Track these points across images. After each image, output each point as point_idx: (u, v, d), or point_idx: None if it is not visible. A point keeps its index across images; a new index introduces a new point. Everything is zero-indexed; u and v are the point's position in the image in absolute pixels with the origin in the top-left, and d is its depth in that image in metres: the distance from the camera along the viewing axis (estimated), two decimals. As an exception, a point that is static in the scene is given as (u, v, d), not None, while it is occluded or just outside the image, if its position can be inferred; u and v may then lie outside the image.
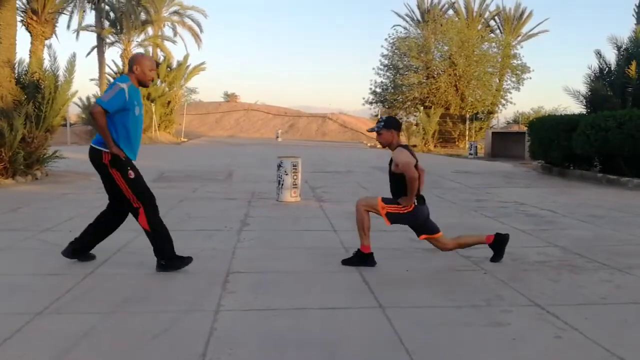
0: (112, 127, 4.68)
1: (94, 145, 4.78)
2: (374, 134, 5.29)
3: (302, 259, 5.37)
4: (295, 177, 9.45)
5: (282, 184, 9.42)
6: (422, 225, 5.08)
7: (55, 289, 4.23)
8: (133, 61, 4.89)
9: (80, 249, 5.05)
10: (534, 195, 10.87)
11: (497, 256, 5.23)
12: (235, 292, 4.26)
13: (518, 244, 6.08)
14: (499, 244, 5.21)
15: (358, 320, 3.71)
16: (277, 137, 45.41)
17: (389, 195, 5.14)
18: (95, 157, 4.77)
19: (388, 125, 5.12)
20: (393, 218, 4.99)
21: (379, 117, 39.65)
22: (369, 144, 39.60)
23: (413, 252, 5.75)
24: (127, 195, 4.76)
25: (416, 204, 4.96)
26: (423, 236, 5.12)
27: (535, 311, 3.92)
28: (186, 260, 4.88)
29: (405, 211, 4.95)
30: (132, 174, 4.74)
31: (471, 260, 5.33)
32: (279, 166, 9.49)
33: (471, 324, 3.65)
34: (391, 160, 5.09)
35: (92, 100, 36.82)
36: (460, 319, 3.76)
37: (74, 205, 8.76)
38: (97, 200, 9.29)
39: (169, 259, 4.84)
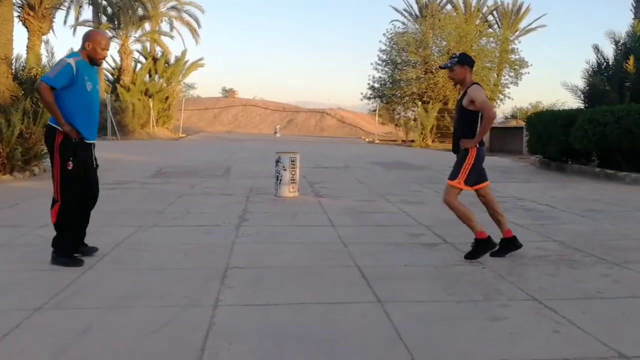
0: (61, 104, 4.58)
1: (49, 123, 4.72)
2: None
3: (301, 254, 5.38)
4: (293, 172, 9.44)
5: (281, 180, 9.42)
6: (480, 170, 5.08)
7: (54, 285, 4.24)
8: (86, 37, 4.78)
9: (76, 245, 5.03)
10: (532, 190, 10.88)
11: (500, 252, 5.18)
12: (234, 287, 4.27)
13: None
14: (510, 245, 5.20)
15: (357, 315, 3.72)
16: (276, 132, 45.35)
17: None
18: (48, 135, 4.71)
19: (462, 61, 5.09)
20: (469, 179, 5.02)
21: (377, 112, 39.72)
22: (367, 140, 39.59)
23: (412, 247, 5.75)
24: (54, 184, 4.72)
25: (477, 145, 4.98)
26: (476, 186, 5.09)
27: (533, 305, 3.93)
28: (73, 262, 4.77)
29: (471, 161, 4.96)
30: (70, 165, 4.64)
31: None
32: (277, 162, 9.48)
33: (470, 319, 3.66)
34: (462, 97, 5.05)
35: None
36: (459, 313, 3.77)
37: (72, 201, 8.74)
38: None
39: (58, 253, 4.80)
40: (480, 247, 5.08)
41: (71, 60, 4.61)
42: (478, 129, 5.02)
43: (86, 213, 5.07)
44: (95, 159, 5.01)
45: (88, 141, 4.79)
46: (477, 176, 5.11)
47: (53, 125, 4.69)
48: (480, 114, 5.00)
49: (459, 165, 5.05)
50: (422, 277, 4.66)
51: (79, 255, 4.97)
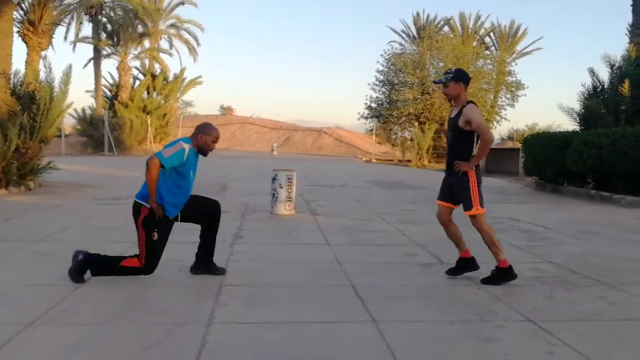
0: (162, 179, 4.71)
1: (136, 200, 4.84)
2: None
3: (296, 273, 5.35)
4: (289, 190, 9.44)
5: (277, 197, 9.41)
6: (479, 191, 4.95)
7: (47, 300, 4.20)
8: (201, 129, 4.94)
9: (204, 261, 5.14)
10: (528, 211, 10.89)
11: (490, 280, 5.00)
12: (228, 305, 4.24)
13: (512, 260, 6.03)
14: (504, 275, 4.99)
15: (351, 335, 3.69)
16: (273, 150, 45.47)
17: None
18: (135, 209, 4.83)
19: (457, 78, 4.86)
20: (482, 201, 4.90)
21: (374, 131, 39.86)
22: (364, 159, 39.67)
23: (407, 266, 5.73)
24: (140, 249, 4.79)
25: (474, 168, 4.85)
26: (472, 210, 4.89)
27: (528, 327, 3.91)
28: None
29: (474, 182, 4.82)
30: (155, 236, 4.75)
31: (465, 275, 5.31)
32: (274, 179, 9.49)
33: (464, 339, 3.64)
34: (457, 116, 4.84)
35: (88, 112, 36.82)
36: (454, 334, 3.75)
37: (67, 216, 8.73)
38: (90, 211, 9.28)
39: (87, 270, 4.80)
40: (500, 275, 4.95)
41: (187, 147, 4.77)
42: (474, 151, 4.86)
43: (209, 235, 5.19)
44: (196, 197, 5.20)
45: (171, 217, 4.89)
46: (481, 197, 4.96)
47: (139, 201, 4.80)
48: (476, 134, 4.84)
49: (465, 192, 4.86)
50: (417, 297, 4.64)
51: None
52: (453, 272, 5.18)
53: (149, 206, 4.71)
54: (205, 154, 5.02)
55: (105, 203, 10.47)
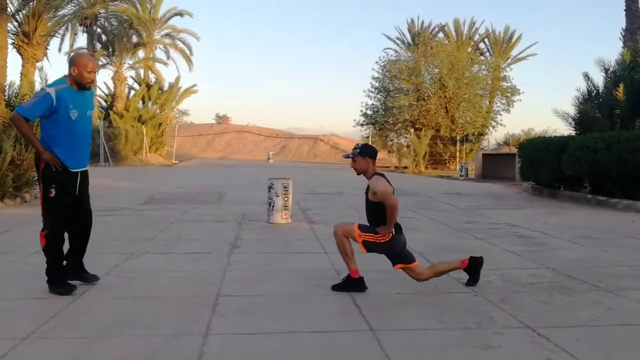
0: (43, 132, 4.58)
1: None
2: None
3: (293, 282, 5.33)
4: (286, 198, 9.43)
5: (273, 206, 9.39)
6: (398, 254, 4.98)
7: (42, 313, 4.18)
8: (71, 62, 4.71)
9: (73, 270, 4.99)
10: (525, 216, 10.90)
11: (472, 280, 5.12)
12: (225, 316, 4.22)
13: (509, 266, 6.08)
14: (474, 267, 5.11)
15: (349, 344, 3.68)
16: (269, 158, 45.46)
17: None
18: (35, 161, 4.71)
19: (363, 153, 5.03)
20: (370, 246, 4.94)
21: (370, 138, 39.88)
22: (360, 166, 39.60)
23: (404, 274, 5.71)
24: (42, 210, 4.70)
25: (394, 233, 4.90)
26: (398, 266, 5.01)
27: (526, 333, 3.90)
28: (66, 289, 4.71)
29: (383, 240, 4.89)
30: (52, 193, 4.60)
31: (462, 282, 5.30)
32: (270, 188, 9.47)
33: (462, 347, 3.63)
34: (368, 189, 5.00)
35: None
36: (452, 341, 3.74)
37: (63, 227, 8.68)
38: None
39: (50, 280, 4.77)
40: (349, 283, 4.99)
41: (51, 90, 4.55)
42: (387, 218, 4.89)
43: (78, 239, 5.02)
44: (86, 186, 4.95)
45: (73, 170, 4.72)
46: (394, 258, 5.00)
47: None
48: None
49: (374, 231, 4.92)
50: (415, 304, 4.63)
51: (77, 281, 4.95)
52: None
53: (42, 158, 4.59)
54: (86, 87, 4.73)
55: (101, 214, 10.42)
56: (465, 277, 5.28)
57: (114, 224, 9.11)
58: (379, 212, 4.89)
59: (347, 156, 5.18)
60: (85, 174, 4.91)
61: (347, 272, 5.06)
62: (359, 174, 5.11)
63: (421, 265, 5.12)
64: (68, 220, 4.81)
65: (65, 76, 4.73)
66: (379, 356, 3.45)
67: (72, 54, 4.74)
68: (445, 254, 6.62)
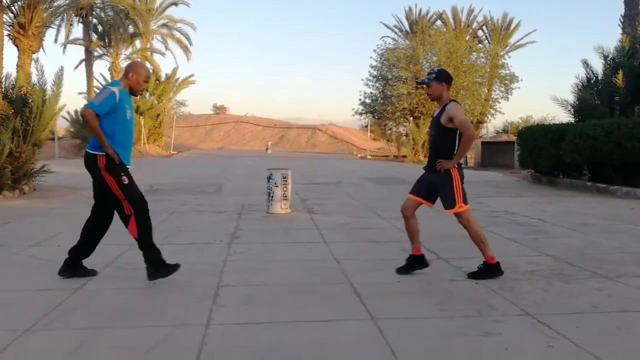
0: (103, 131, 4.68)
1: (88, 150, 4.79)
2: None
3: (293, 272, 5.34)
4: (285, 189, 9.43)
5: (272, 196, 9.39)
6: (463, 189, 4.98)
7: (44, 305, 4.18)
8: (130, 68, 4.94)
9: (75, 262, 5.01)
10: (524, 204, 10.91)
11: (478, 275, 5.01)
12: (226, 306, 4.23)
13: (509, 253, 6.08)
14: (491, 270, 4.99)
15: (350, 333, 3.68)
16: (267, 149, 45.43)
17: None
18: (90, 161, 4.78)
19: (439, 77, 4.94)
20: (466, 198, 4.96)
21: (369, 127, 39.82)
22: (359, 155, 39.67)
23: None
24: (122, 201, 4.76)
25: (456, 166, 4.88)
26: (461, 206, 4.91)
27: (526, 320, 3.91)
28: (172, 268, 4.84)
29: (458, 181, 4.87)
30: (125, 180, 4.74)
31: (462, 270, 5.32)
32: (269, 178, 9.47)
33: (463, 335, 3.64)
34: (439, 114, 4.90)
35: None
36: (453, 329, 3.74)
37: (62, 220, 8.69)
38: (85, 214, 9.18)
39: (155, 266, 4.82)
40: (487, 270, 4.97)
41: (115, 89, 4.72)
42: (457, 148, 4.88)
43: (98, 232, 5.09)
44: None
45: (129, 167, 4.89)
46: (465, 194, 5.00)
47: (92, 152, 4.75)
48: (459, 132, 4.87)
49: (449, 191, 4.89)
50: (415, 293, 4.64)
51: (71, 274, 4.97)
52: (403, 270, 5.17)
53: (103, 153, 4.68)
54: (136, 94, 4.98)
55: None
56: (467, 267, 5.28)
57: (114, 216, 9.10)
58: (447, 139, 4.85)
59: (421, 81, 5.10)
60: None
61: (483, 260, 5.01)
62: (432, 99, 5.04)
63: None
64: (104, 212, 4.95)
65: (120, 79, 4.91)
66: (381, 345, 3.46)
67: (131, 61, 4.91)
68: (446, 242, 6.63)
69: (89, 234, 5.05)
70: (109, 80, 37.28)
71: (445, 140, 4.91)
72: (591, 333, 3.67)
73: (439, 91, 4.95)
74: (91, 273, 5.08)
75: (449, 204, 4.95)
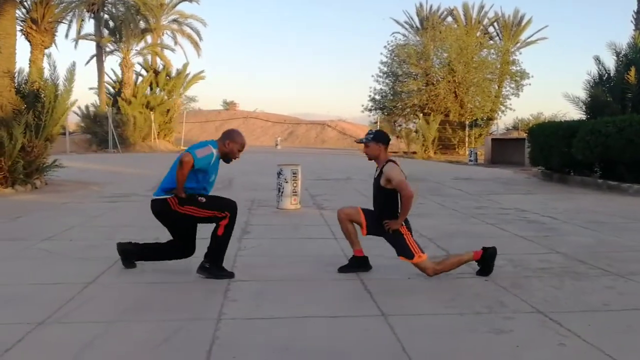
0: (187, 180, 4.72)
1: (157, 197, 4.83)
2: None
3: (303, 267, 5.36)
4: (295, 184, 9.45)
5: (282, 192, 9.42)
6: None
7: (57, 298, 4.22)
8: (228, 136, 4.93)
9: (131, 254, 5.13)
10: (535, 201, 10.87)
11: (484, 271, 5.00)
12: (237, 301, 4.25)
13: (519, 251, 6.07)
14: (487, 259, 4.99)
15: (360, 329, 3.70)
16: (277, 144, 45.44)
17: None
18: (162, 207, 4.82)
19: (377, 138, 5.00)
20: (418, 246, 4.90)
21: (378, 123, 39.78)
22: (368, 151, 39.51)
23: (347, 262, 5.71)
24: (211, 215, 4.81)
25: (403, 224, 4.84)
26: (403, 257, 4.90)
27: (538, 318, 3.91)
28: (227, 274, 4.91)
29: (408, 234, 4.87)
30: (202, 200, 4.77)
31: (472, 267, 5.31)
32: (279, 174, 9.49)
33: (474, 332, 3.64)
34: (379, 176, 4.96)
35: (92, 109, 36.86)
36: (463, 326, 3.75)
37: (74, 214, 8.75)
38: (96, 209, 9.30)
39: (217, 265, 4.90)
40: (354, 263, 5.12)
41: (215, 152, 4.78)
42: (400, 209, 4.85)
43: (174, 252, 5.15)
44: None
45: None
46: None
47: (161, 197, 4.80)
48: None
49: (404, 246, 4.84)
50: (426, 290, 4.64)
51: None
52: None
53: (172, 195, 4.73)
54: (228, 161, 4.99)
55: (112, 200, 10.51)
56: (476, 264, 5.28)
57: (124, 211, 9.16)
58: (389, 199, 4.88)
59: (359, 141, 5.17)
60: None
61: (352, 254, 5.16)
62: (370, 159, 5.07)
63: (429, 259, 4.95)
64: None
65: (217, 141, 4.92)
66: (391, 341, 3.46)
67: (231, 129, 4.90)
68: (455, 240, 6.63)
69: (163, 247, 5.14)
70: (120, 76, 37.48)
71: (388, 201, 4.94)
72: (603, 331, 3.66)
73: (377, 151, 4.98)
74: (132, 266, 5.17)
75: (407, 256, 4.88)
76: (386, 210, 4.94)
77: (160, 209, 4.84)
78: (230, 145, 4.87)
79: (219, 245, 4.90)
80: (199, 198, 4.76)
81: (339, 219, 5.16)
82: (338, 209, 5.27)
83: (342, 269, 5.13)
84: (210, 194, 4.98)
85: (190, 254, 5.08)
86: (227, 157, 4.93)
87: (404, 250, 4.87)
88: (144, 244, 5.25)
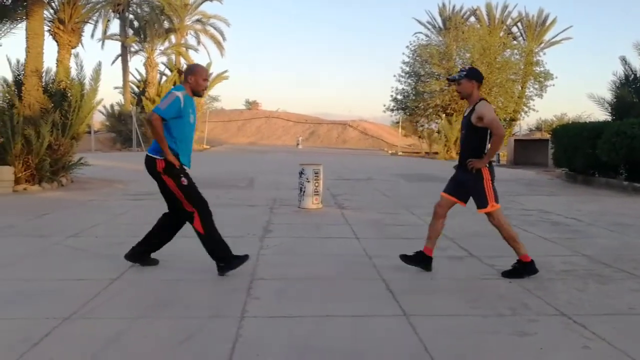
0: (167, 134, 4.80)
1: (149, 154, 4.91)
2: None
3: (325, 266, 5.37)
4: (317, 184, 9.46)
5: (304, 191, 9.44)
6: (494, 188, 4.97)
7: (83, 294, 4.29)
8: (189, 71, 5.04)
9: (142, 252, 5.19)
10: (559, 203, 10.74)
11: (513, 274, 4.98)
12: (260, 299, 4.28)
13: (543, 253, 6.01)
14: (524, 268, 4.96)
15: (382, 329, 3.70)
16: (298, 144, 45.56)
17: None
18: (150, 165, 4.90)
19: (470, 75, 4.94)
20: (497, 197, 4.95)
21: (400, 123, 39.65)
22: (389, 152, 39.51)
23: (437, 259, 5.69)
24: (181, 201, 4.90)
25: (487, 165, 4.86)
26: (491, 205, 4.90)
27: (562, 321, 3.87)
28: (241, 259, 5.01)
29: (489, 181, 4.86)
30: (184, 181, 4.87)
31: (495, 268, 5.28)
32: (301, 173, 9.51)
33: (497, 333, 3.62)
34: (470, 113, 4.91)
35: (116, 108, 37.35)
36: (486, 327, 3.73)
37: (99, 211, 8.88)
38: (121, 206, 9.42)
39: (222, 259, 4.96)
40: (522, 268, 4.95)
41: (180, 94, 4.84)
42: (487, 147, 4.87)
43: (171, 229, 5.23)
44: None
45: (188, 169, 5.02)
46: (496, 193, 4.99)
47: (152, 155, 4.87)
48: (489, 132, 4.84)
49: (481, 191, 4.89)
50: (448, 290, 4.62)
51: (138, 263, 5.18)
52: (406, 258, 5.20)
53: (162, 158, 4.79)
54: (199, 95, 5.08)
55: (136, 198, 10.63)
56: (500, 265, 5.25)
57: (148, 208, 9.25)
58: (478, 139, 4.85)
59: (452, 79, 5.11)
60: None
61: (517, 258, 5.00)
62: (462, 98, 5.05)
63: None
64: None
65: (182, 83, 5.03)
66: (413, 341, 3.46)
67: (190, 64, 4.94)
68: (477, 240, 6.59)
69: (160, 228, 5.21)
70: (144, 76, 37.90)
71: (475, 139, 4.90)
72: (628, 334, 3.62)
73: (469, 89, 4.94)
74: (153, 262, 5.24)
75: (481, 203, 4.93)
76: (472, 149, 4.91)
77: (148, 167, 4.92)
78: (193, 78, 4.94)
79: (210, 242, 4.96)
80: (182, 178, 4.83)
81: (436, 213, 5.15)
82: (435, 205, 5.20)
83: (507, 274, 4.96)
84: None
85: (186, 218, 5.08)
86: (196, 91, 4.98)
87: (479, 197, 4.89)
88: (145, 237, 5.23)
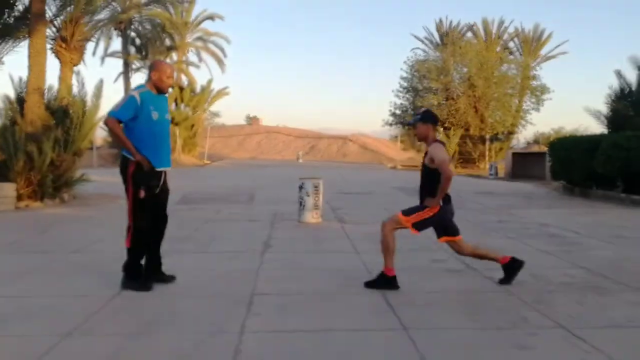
0: (131, 135, 4.77)
1: (123, 153, 4.90)
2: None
3: (325, 281, 5.40)
4: (316, 198, 9.50)
5: (304, 205, 9.48)
6: (446, 226, 5.09)
7: (83, 311, 4.32)
8: (151, 68, 5.02)
9: (150, 271, 5.11)
10: (556, 215, 10.77)
11: (506, 279, 5.15)
12: (260, 314, 4.31)
13: (542, 265, 6.04)
14: (512, 268, 5.14)
15: (382, 342, 3.72)
16: (299, 158, 45.63)
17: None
18: (122, 164, 4.89)
19: (424, 119, 5.09)
20: (420, 226, 5.03)
21: (399, 138, 39.80)
22: (389, 165, 39.57)
23: (436, 272, 5.74)
24: (128, 209, 4.88)
25: (441, 204, 4.96)
26: (444, 238, 5.13)
27: (561, 334, 3.89)
28: (142, 287, 4.88)
29: (431, 214, 4.95)
30: (142, 194, 4.80)
31: (494, 281, 5.31)
32: (301, 187, 9.56)
33: (497, 347, 3.65)
34: (425, 154, 5.06)
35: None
36: (485, 341, 3.75)
37: (101, 227, 8.91)
38: (124, 222, 9.41)
39: (128, 276, 4.93)
40: (382, 280, 5.03)
41: (135, 93, 4.83)
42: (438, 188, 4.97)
43: (159, 234, 5.21)
44: (166, 184, 5.18)
45: (159, 169, 4.96)
46: (441, 229, 5.13)
47: (126, 155, 4.86)
48: None
49: (419, 209, 5.03)
50: (447, 303, 4.65)
51: (155, 283, 5.08)
52: (503, 281, 5.21)
53: (133, 160, 4.76)
54: (164, 92, 5.01)
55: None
56: (497, 275, 5.28)
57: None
58: (434, 180, 4.93)
59: (408, 123, 5.30)
60: (166, 174, 5.13)
61: (381, 270, 5.10)
62: (419, 140, 5.18)
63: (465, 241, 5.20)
64: (154, 216, 5.03)
65: (145, 81, 5.01)
66: (413, 354, 3.49)
67: (153, 60, 4.91)
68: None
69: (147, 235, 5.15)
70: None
71: (430, 180, 5.02)
72: (627, 347, 3.64)
73: (425, 132, 5.09)
74: (169, 279, 5.20)
75: (407, 211, 5.06)
76: (428, 189, 5.01)
77: (120, 165, 4.92)
78: (156, 75, 4.90)
79: (130, 259, 4.96)
80: (141, 192, 4.76)
81: (383, 231, 5.15)
82: (382, 222, 5.25)
83: (369, 284, 5.07)
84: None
85: (163, 223, 5.16)
86: (160, 87, 4.94)
87: (411, 209, 5.04)
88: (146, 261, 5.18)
